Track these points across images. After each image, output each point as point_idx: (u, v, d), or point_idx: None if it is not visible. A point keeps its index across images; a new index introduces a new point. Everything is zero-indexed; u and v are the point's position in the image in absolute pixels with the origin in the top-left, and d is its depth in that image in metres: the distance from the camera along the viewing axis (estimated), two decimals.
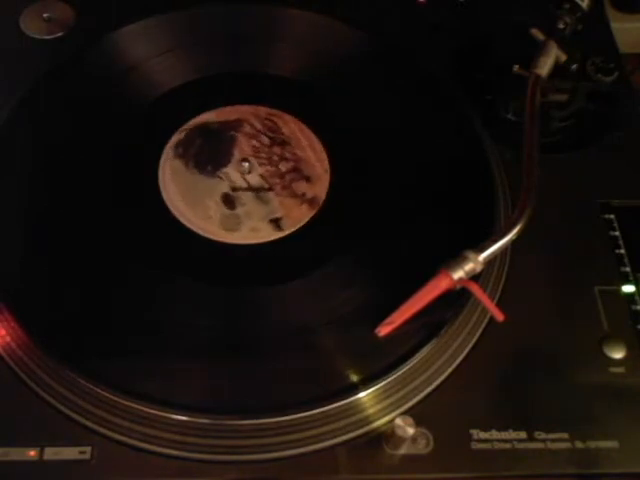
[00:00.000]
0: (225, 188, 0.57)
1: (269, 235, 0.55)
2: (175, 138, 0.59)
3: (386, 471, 0.46)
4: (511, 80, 0.60)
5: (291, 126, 0.61)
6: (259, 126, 0.60)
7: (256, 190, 0.57)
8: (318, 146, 0.60)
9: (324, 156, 0.59)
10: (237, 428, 0.47)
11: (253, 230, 0.55)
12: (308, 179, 0.58)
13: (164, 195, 0.56)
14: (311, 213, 0.56)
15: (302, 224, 0.55)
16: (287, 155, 0.59)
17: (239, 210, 0.56)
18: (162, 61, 0.64)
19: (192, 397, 0.46)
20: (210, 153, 0.59)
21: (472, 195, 0.56)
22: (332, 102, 0.62)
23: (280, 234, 0.55)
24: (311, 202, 0.56)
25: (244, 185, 0.57)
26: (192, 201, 0.56)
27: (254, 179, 0.58)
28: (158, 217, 0.55)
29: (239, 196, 0.57)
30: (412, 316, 0.49)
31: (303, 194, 0.57)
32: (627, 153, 0.61)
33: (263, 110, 0.62)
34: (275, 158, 0.59)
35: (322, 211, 0.56)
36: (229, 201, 0.56)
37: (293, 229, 0.55)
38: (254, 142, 0.59)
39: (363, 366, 0.48)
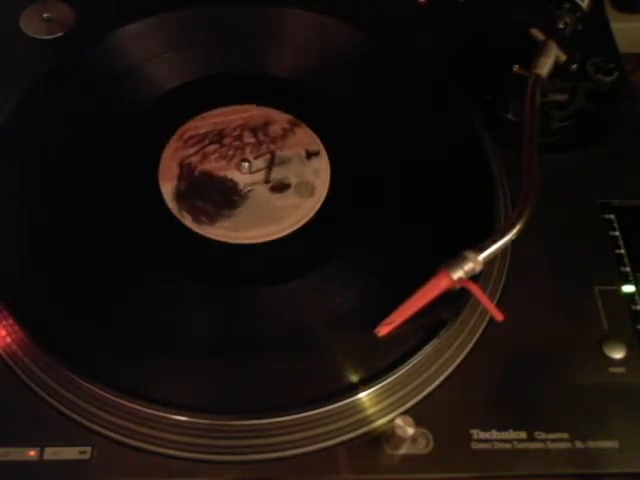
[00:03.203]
0: (263, 188, 0.57)
1: (326, 166, 0.57)
2: (185, 215, 0.55)
3: (386, 471, 0.46)
4: (511, 80, 0.60)
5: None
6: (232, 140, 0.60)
7: (272, 164, 0.58)
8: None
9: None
10: (237, 428, 0.47)
11: (315, 172, 0.57)
12: (267, 124, 0.59)
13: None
14: (307, 130, 0.59)
15: (319, 141, 0.58)
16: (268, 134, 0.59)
17: (291, 180, 0.57)
18: (162, 61, 0.64)
19: (192, 397, 0.46)
20: (219, 197, 0.57)
21: (472, 195, 0.56)
22: (332, 102, 0.62)
23: (324, 161, 0.57)
24: (293, 125, 0.59)
25: (264, 173, 0.58)
26: (271, 218, 0.56)
27: (260, 164, 0.58)
28: (158, 217, 0.55)
29: (276, 178, 0.58)
30: (412, 316, 0.49)
31: (283, 129, 0.59)
32: (627, 153, 0.61)
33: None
34: (258, 140, 0.59)
35: (322, 211, 0.56)
36: (279, 187, 0.57)
37: (322, 150, 0.58)
38: (223, 151, 0.59)
39: (363, 366, 0.48)
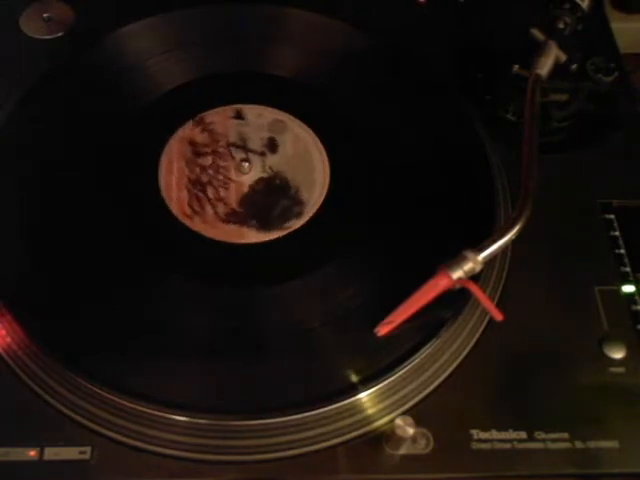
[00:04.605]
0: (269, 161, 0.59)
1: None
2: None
3: (386, 471, 0.46)
4: (511, 80, 0.60)
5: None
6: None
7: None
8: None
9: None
10: (237, 428, 0.47)
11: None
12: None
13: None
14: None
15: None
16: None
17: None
18: (162, 61, 0.64)
19: (192, 397, 0.46)
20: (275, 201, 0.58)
21: (472, 195, 0.56)
22: (332, 102, 0.62)
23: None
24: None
25: (259, 169, 0.58)
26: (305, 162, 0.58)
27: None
28: (158, 217, 0.55)
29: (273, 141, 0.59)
30: (411, 315, 0.49)
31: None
32: (627, 153, 0.61)
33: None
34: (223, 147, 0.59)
35: (322, 211, 0.56)
36: (272, 146, 0.59)
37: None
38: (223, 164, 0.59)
39: (363, 366, 0.48)
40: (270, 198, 0.57)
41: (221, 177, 0.58)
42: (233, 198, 0.57)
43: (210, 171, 0.58)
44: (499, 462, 0.47)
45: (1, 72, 0.62)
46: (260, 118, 0.61)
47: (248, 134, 0.60)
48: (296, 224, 0.55)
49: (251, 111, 0.62)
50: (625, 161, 0.61)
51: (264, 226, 0.55)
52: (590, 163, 0.61)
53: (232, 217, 0.56)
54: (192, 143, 0.60)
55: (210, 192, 0.57)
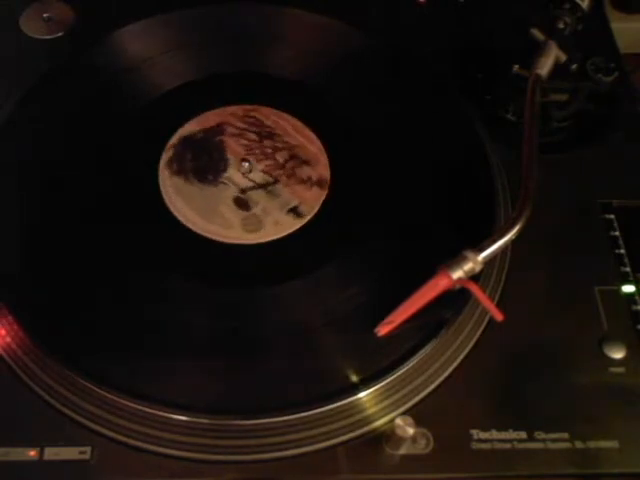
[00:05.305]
0: (234, 192, 0.57)
1: (291, 226, 0.55)
2: (165, 156, 0.58)
3: (386, 471, 0.46)
4: (511, 80, 0.60)
5: (272, 118, 0.61)
6: (241, 125, 0.60)
7: (264, 186, 0.57)
8: (305, 130, 0.61)
9: (313, 136, 0.60)
10: (237, 428, 0.47)
11: (276, 224, 0.55)
12: (308, 162, 0.59)
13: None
14: (323, 193, 0.57)
15: (319, 207, 0.57)
16: (279, 145, 0.59)
17: (255, 209, 0.56)
18: (162, 61, 0.64)
19: (192, 397, 0.46)
20: (205, 163, 0.58)
21: (472, 195, 0.56)
22: (332, 102, 0.62)
23: (300, 222, 0.56)
24: (319, 183, 0.58)
25: (250, 184, 0.57)
26: (206, 212, 0.55)
27: (258, 176, 0.58)
28: (157, 218, 0.55)
29: (250, 196, 0.57)
30: (411, 315, 0.49)
31: (309, 177, 0.58)
32: (627, 153, 0.61)
33: (240, 108, 0.62)
34: (269, 151, 0.59)
35: (323, 211, 0.57)
36: (242, 203, 0.56)
37: (312, 214, 0.56)
38: (242, 141, 0.60)
39: (363, 366, 0.48)
40: (201, 155, 0.59)
41: (258, 152, 0.59)
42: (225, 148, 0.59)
43: (263, 142, 0.60)
44: (499, 462, 0.47)
45: (1, 72, 0.62)
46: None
47: (296, 194, 0.57)
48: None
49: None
50: (625, 161, 0.61)
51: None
52: (590, 163, 0.61)
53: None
54: (294, 156, 0.59)
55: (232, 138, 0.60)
